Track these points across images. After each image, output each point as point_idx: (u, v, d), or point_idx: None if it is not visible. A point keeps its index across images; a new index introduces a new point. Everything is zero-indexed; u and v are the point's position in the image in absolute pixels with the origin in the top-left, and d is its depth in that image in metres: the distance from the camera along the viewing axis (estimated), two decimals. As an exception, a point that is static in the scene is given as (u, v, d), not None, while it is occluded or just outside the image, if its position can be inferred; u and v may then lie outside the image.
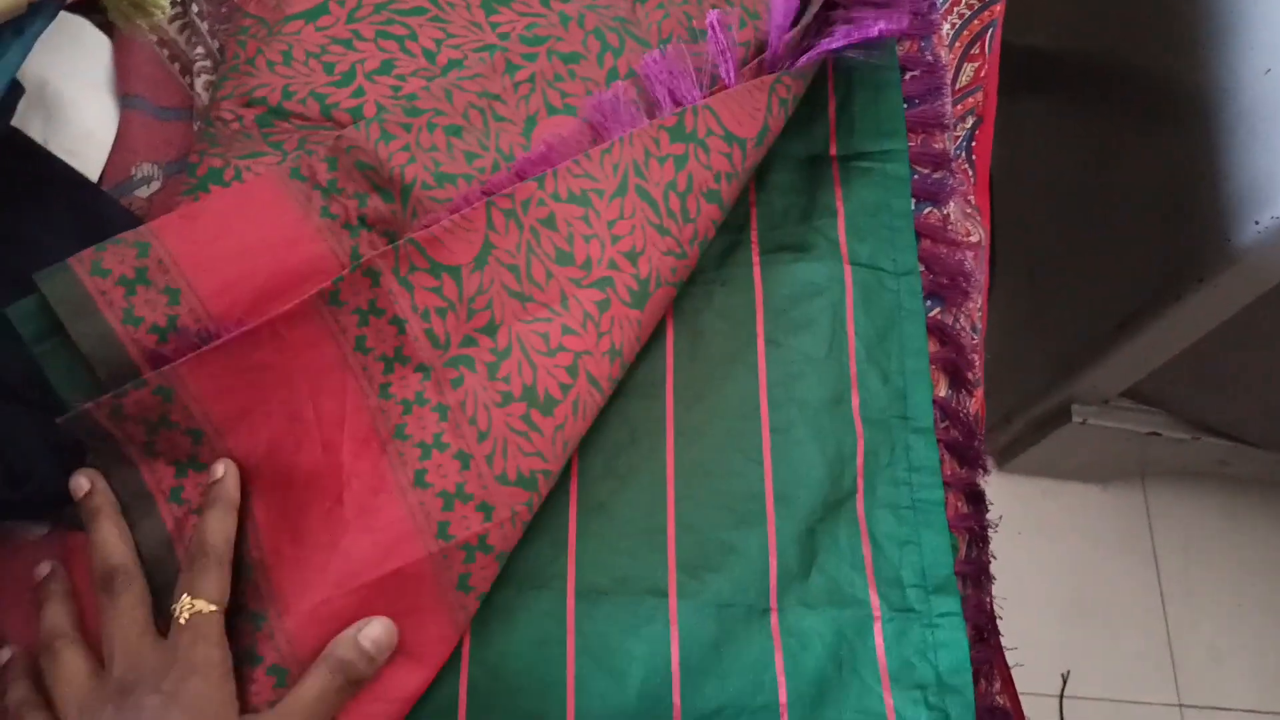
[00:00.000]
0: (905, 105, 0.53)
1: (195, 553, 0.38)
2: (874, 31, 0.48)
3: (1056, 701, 1.16)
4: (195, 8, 0.50)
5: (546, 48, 0.48)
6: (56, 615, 0.39)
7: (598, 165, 0.45)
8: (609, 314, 0.43)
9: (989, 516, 0.48)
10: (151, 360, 0.39)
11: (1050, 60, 1.09)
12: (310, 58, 0.47)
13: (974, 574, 0.46)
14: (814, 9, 0.49)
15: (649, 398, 0.46)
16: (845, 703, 0.42)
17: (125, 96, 0.48)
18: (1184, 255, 0.82)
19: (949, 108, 0.55)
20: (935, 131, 0.54)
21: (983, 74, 0.57)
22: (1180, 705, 1.20)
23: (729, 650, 0.42)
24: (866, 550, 0.45)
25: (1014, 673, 0.48)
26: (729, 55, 0.47)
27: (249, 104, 0.46)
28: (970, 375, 0.50)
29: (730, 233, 0.50)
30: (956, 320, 0.51)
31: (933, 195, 0.52)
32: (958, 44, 0.57)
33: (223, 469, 0.40)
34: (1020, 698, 0.47)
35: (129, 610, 0.37)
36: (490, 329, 0.42)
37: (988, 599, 0.46)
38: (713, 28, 0.47)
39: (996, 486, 0.51)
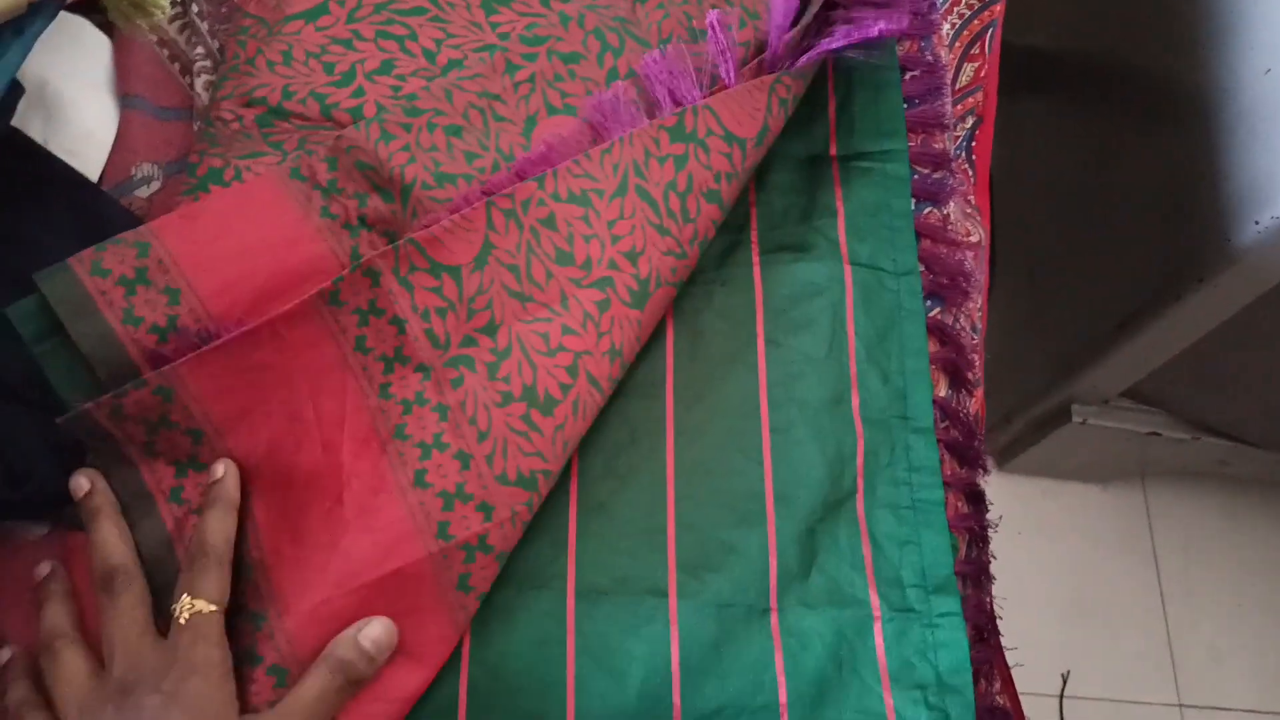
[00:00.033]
0: (905, 105, 0.53)
1: (195, 553, 0.38)
2: (874, 31, 0.48)
3: (1056, 701, 1.16)
4: (195, 8, 0.50)
5: (546, 48, 0.48)
6: (56, 615, 0.39)
7: (598, 165, 0.45)
8: (609, 314, 0.43)
9: (989, 516, 0.48)
10: (151, 360, 0.39)
11: (1050, 60, 1.09)
12: (310, 58, 0.47)
13: (974, 574, 0.46)
14: (814, 9, 0.49)
15: (649, 398, 0.46)
16: (845, 703, 0.42)
17: (125, 96, 0.48)
18: (1184, 255, 0.82)
19: (949, 108, 0.55)
20: (935, 131, 0.54)
21: (983, 74, 0.57)
22: (1180, 705, 1.20)
23: (729, 650, 0.42)
24: (866, 550, 0.45)
25: (1014, 673, 0.48)
26: (729, 55, 0.47)
27: (249, 104, 0.46)
28: (970, 375, 0.50)
29: (730, 233, 0.50)
30: (956, 320, 0.51)
31: (933, 195, 0.52)
32: (958, 44, 0.57)
33: (223, 469, 0.40)
34: (1020, 698, 0.47)
35: (129, 610, 0.37)
36: (490, 329, 0.42)
37: (988, 599, 0.46)
38: (713, 28, 0.47)
39: (996, 486, 0.51)
